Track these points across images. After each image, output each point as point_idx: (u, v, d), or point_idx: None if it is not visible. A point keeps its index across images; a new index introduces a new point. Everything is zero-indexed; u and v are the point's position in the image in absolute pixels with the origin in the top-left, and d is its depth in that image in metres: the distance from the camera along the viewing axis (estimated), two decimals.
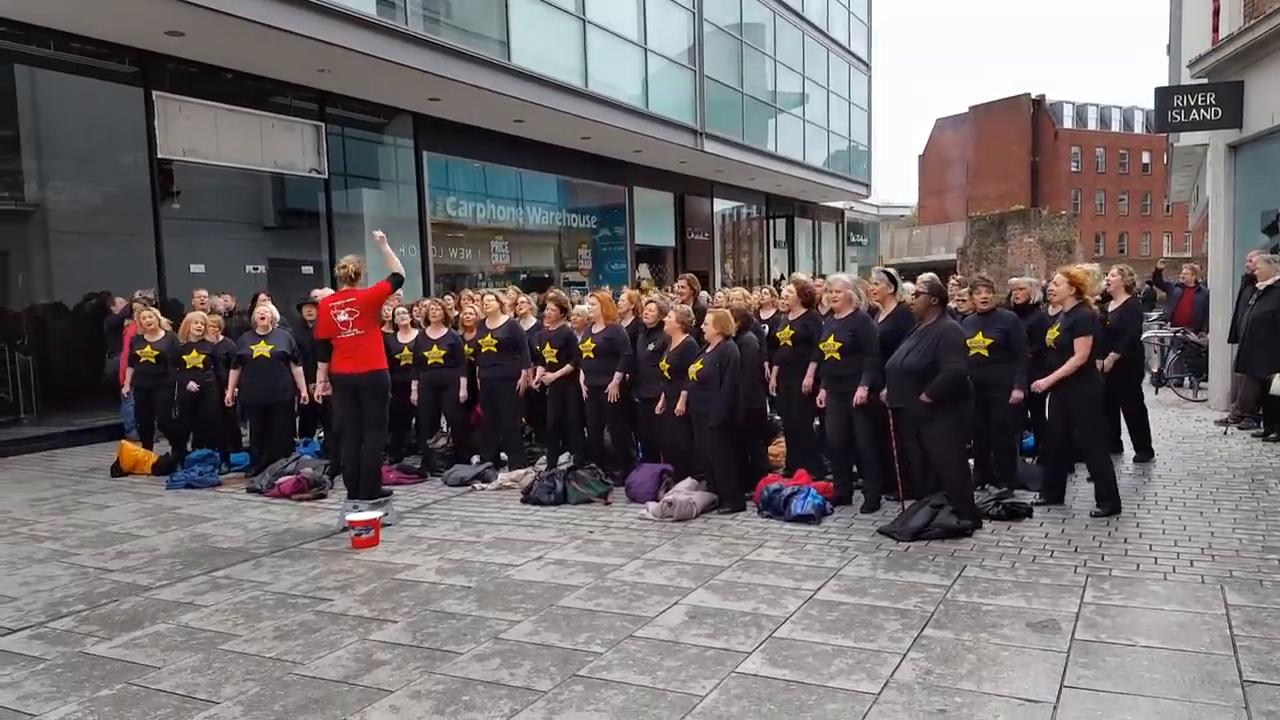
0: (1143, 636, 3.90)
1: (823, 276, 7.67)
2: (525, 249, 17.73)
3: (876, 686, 3.51)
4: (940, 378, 5.51)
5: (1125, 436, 7.79)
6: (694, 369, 6.35)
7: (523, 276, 16.99)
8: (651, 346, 7.00)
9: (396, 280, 6.37)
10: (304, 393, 8.08)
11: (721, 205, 23.82)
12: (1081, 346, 5.83)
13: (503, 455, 7.95)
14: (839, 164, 26.30)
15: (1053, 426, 6.30)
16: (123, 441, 8.80)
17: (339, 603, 4.72)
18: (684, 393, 6.47)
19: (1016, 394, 6.28)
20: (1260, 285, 8.05)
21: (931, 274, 5.98)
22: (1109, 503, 5.94)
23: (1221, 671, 3.53)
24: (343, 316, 6.27)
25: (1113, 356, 7.14)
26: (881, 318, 6.43)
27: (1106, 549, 5.19)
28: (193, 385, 8.14)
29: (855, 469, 6.55)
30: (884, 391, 5.92)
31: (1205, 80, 10.23)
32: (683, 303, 7.66)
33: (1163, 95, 10.39)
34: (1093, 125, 66.78)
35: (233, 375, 8.07)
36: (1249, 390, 8.67)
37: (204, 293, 9.90)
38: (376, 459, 6.53)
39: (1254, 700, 3.29)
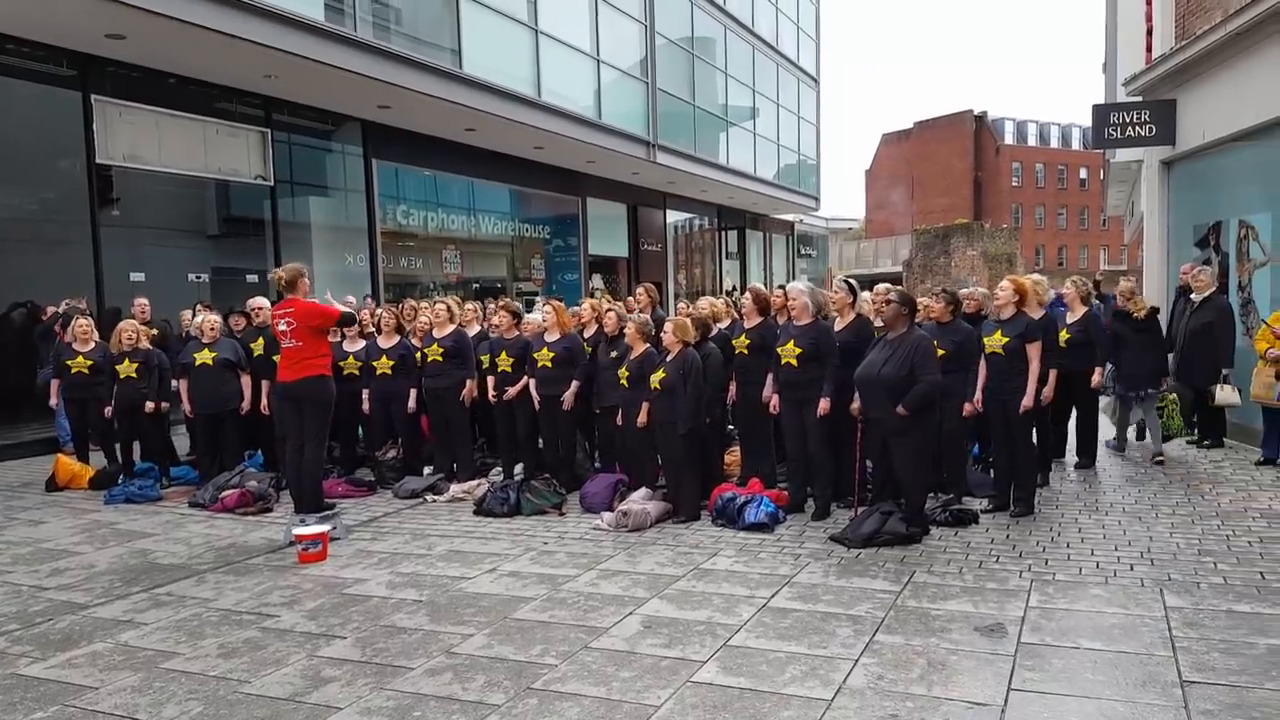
0: (1086, 639, 4.00)
1: (781, 288, 7.72)
2: (477, 258, 17.60)
3: (829, 693, 3.54)
4: (918, 389, 5.56)
5: (1070, 442, 8.00)
6: (656, 377, 6.35)
7: (475, 286, 16.88)
8: (614, 354, 6.98)
9: (346, 318, 6.49)
10: (246, 402, 7.91)
11: (674, 216, 23.97)
12: (1035, 351, 6.06)
13: (455, 465, 7.85)
14: (789, 177, 26.63)
15: (999, 430, 6.39)
16: (58, 455, 8.51)
17: (286, 619, 4.61)
18: (645, 403, 6.47)
19: (968, 406, 6.39)
20: (1196, 297, 8.29)
21: (887, 284, 6.08)
22: (1026, 503, 6.17)
23: (1162, 672, 3.63)
24: (281, 326, 6.20)
25: (1099, 372, 7.40)
26: (839, 327, 6.49)
27: (1050, 553, 5.31)
28: (106, 411, 8.08)
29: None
30: (855, 404, 5.95)
31: (1140, 98, 10.58)
32: (640, 312, 7.66)
33: (1099, 113, 10.73)
34: (1033, 141, 68.71)
35: (182, 385, 7.88)
36: (1186, 399, 8.93)
37: (144, 301, 9.62)
38: (318, 471, 6.40)
39: (1193, 700, 3.38)
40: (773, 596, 4.69)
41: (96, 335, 8.34)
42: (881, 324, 6.22)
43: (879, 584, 4.84)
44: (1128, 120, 10.32)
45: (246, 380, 7.94)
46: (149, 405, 7.99)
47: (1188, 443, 8.70)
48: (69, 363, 8.12)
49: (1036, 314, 6.62)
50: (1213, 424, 8.53)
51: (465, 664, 3.95)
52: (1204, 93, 9.29)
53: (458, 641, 4.21)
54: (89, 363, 8.10)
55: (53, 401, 8.44)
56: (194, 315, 9.13)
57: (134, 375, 7.95)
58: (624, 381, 6.65)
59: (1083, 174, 67.63)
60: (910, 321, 5.86)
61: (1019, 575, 4.91)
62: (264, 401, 7.90)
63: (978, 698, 3.46)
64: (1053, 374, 6.38)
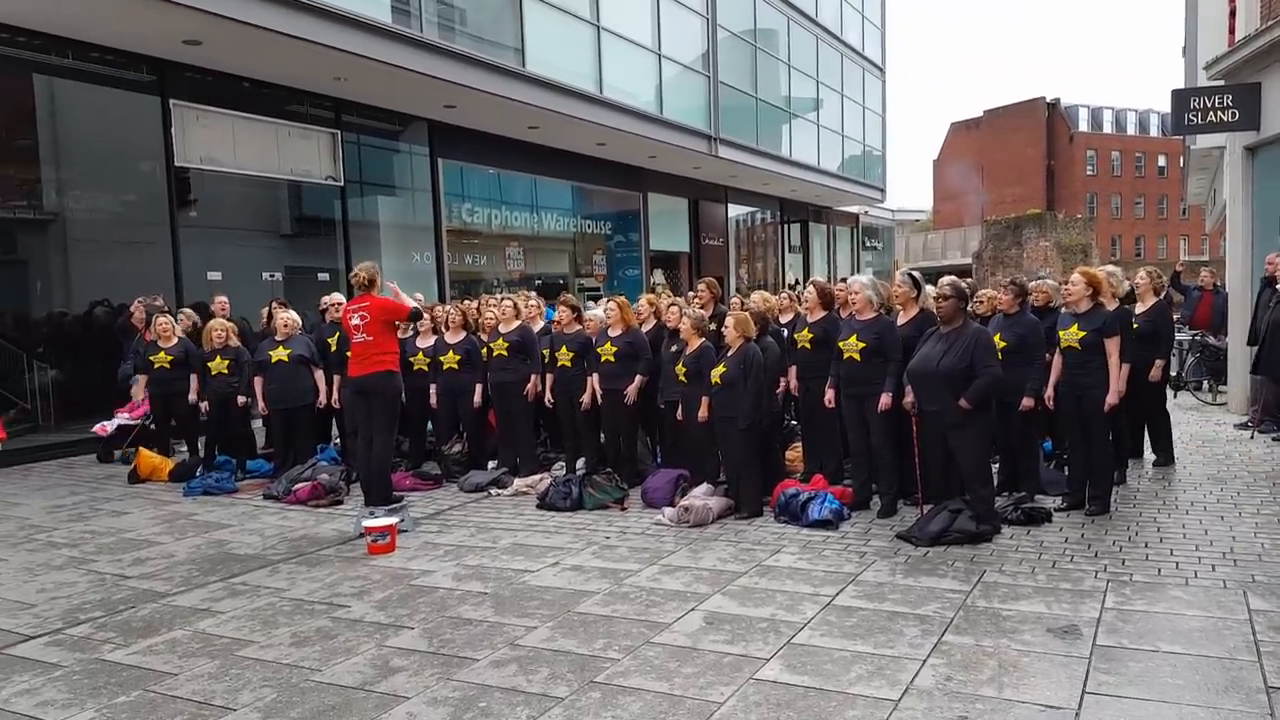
0: (1165, 642, 3.86)
1: (843, 280, 7.62)
2: (540, 255, 17.76)
3: (896, 693, 3.48)
4: (981, 381, 5.46)
5: (1146, 439, 7.72)
6: (717, 372, 6.32)
7: (538, 282, 17.03)
8: (675, 348, 6.98)
9: (414, 314, 6.67)
10: (322, 396, 8.15)
11: (736, 210, 23.80)
12: (1115, 345, 5.86)
13: (518, 460, 7.94)
14: (853, 169, 26.23)
15: (1075, 426, 6.19)
16: (140, 448, 8.86)
17: (355, 609, 4.72)
18: (705, 398, 6.45)
19: (1026, 401, 6.22)
20: None
21: (953, 276, 5.96)
22: (1102, 502, 5.98)
23: (1246, 678, 3.48)
24: (355, 320, 6.36)
25: (1159, 364, 7.11)
26: (902, 321, 6.38)
27: (1127, 553, 5.14)
28: (204, 406, 8.32)
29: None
30: (907, 398, 5.85)
31: (1222, 82, 10.15)
32: (702, 307, 7.63)
33: (1179, 97, 10.32)
34: (1108, 128, 66.39)
35: (258, 383, 8.14)
36: (1271, 393, 8.57)
37: (224, 299, 9.95)
38: (386, 463, 6.55)
39: None
40: (837, 594, 4.64)
41: (180, 331, 8.66)
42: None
43: (948, 583, 4.74)
44: (1209, 105, 9.91)
45: (320, 375, 8.18)
46: (240, 400, 8.27)
47: (1274, 439, 8.34)
48: (152, 358, 8.48)
49: (1112, 306, 6.40)
50: None
51: (529, 656, 3.99)
52: None
53: (522, 634, 4.26)
54: (170, 358, 8.44)
55: (139, 397, 8.78)
56: (269, 313, 9.42)
57: (225, 371, 8.24)
58: (681, 377, 6.64)
59: (1161, 161, 65.17)
60: (965, 313, 5.74)
61: (1094, 576, 4.76)
62: (335, 395, 8.16)
63: (1051, 700, 3.37)
64: (1125, 368, 6.17)
